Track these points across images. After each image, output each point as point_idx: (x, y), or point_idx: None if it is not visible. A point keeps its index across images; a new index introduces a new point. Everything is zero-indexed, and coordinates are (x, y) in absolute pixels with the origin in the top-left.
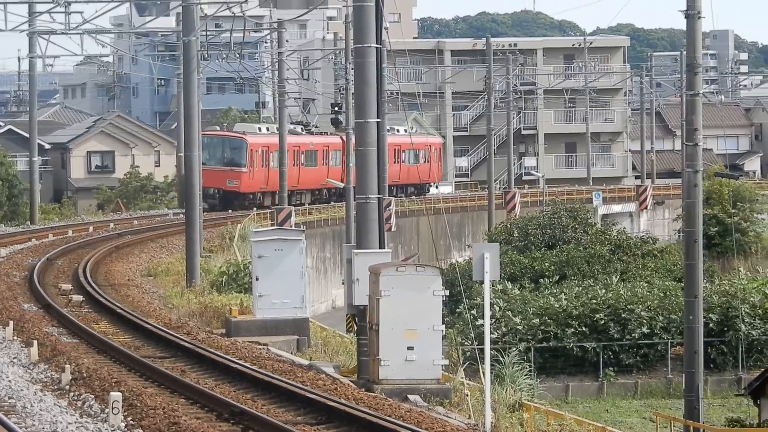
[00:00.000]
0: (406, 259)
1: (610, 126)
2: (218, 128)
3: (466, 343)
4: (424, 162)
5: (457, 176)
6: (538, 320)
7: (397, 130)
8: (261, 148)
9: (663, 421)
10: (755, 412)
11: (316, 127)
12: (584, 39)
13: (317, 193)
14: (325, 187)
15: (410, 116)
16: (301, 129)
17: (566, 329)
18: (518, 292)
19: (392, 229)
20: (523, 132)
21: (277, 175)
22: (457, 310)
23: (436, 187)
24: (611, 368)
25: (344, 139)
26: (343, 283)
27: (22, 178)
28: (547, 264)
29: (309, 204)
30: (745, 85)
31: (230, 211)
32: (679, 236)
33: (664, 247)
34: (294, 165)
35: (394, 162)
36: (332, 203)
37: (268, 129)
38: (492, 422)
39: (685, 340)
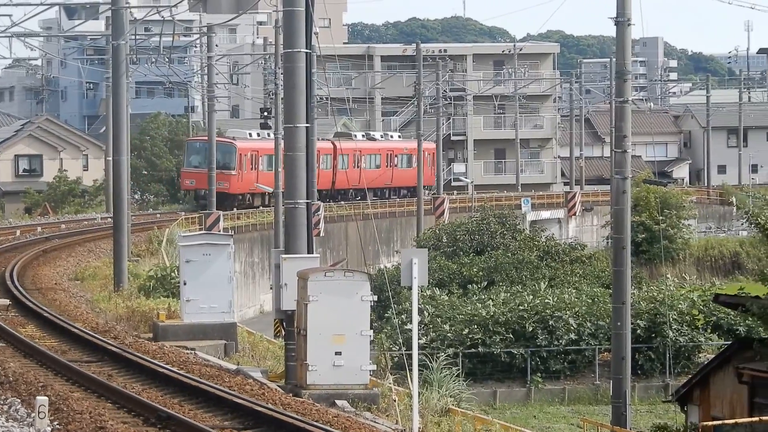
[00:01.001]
0: (335, 264)
1: (539, 132)
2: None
3: (394, 348)
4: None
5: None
6: (467, 329)
7: (391, 136)
8: (250, 152)
9: (590, 427)
10: (682, 419)
11: None
12: (514, 45)
13: None
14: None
15: (340, 121)
16: None
17: (494, 336)
18: (447, 297)
19: (321, 234)
20: (453, 138)
21: (267, 177)
22: (386, 315)
23: (429, 189)
24: (539, 374)
25: (335, 144)
26: (271, 288)
27: None
28: (475, 270)
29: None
30: (675, 93)
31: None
32: (607, 243)
33: (593, 253)
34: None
35: (387, 166)
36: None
37: (258, 135)
38: (419, 428)
39: (613, 346)
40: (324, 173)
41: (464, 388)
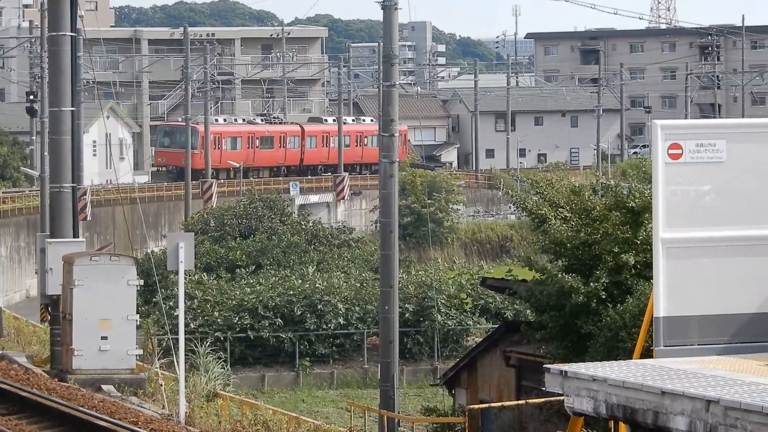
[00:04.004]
0: (101, 249)
1: (308, 116)
2: (180, 119)
3: (161, 333)
4: None
5: (154, 165)
6: (237, 318)
7: (363, 120)
8: (212, 134)
9: (358, 411)
10: (450, 402)
11: (275, 117)
12: (282, 29)
13: (275, 170)
14: (284, 165)
15: (106, 105)
16: (261, 119)
17: (263, 320)
18: (215, 282)
19: (87, 219)
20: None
21: (229, 155)
22: (153, 300)
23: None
24: (307, 359)
25: (302, 127)
26: (36, 273)
27: None
28: (240, 253)
29: (266, 177)
30: (443, 77)
31: None
32: (375, 227)
33: (361, 237)
34: (249, 147)
35: (356, 145)
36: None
37: (225, 120)
38: (186, 412)
39: (381, 330)
40: (291, 152)
41: (232, 372)
